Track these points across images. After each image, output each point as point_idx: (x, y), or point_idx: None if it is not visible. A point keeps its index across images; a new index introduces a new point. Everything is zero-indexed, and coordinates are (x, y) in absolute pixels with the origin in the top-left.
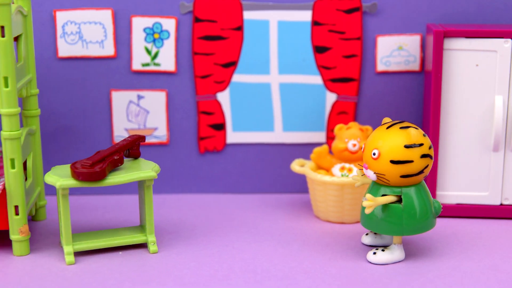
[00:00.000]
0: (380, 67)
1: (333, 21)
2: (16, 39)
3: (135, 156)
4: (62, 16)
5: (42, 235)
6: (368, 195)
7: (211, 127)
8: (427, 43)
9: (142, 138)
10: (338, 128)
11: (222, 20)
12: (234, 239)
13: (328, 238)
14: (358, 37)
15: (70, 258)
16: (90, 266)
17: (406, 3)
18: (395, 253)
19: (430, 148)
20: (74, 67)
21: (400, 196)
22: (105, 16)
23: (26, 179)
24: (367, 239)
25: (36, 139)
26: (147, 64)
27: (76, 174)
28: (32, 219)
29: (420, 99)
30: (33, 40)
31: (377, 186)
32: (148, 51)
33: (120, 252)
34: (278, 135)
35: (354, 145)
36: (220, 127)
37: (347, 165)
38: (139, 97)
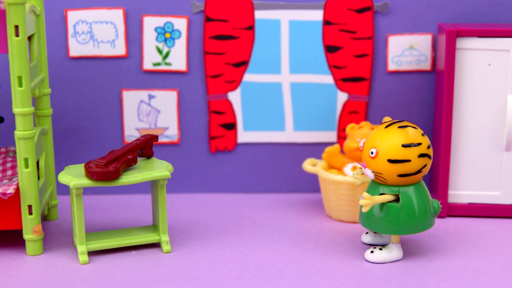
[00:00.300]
0: (391, 67)
1: (344, 20)
2: (29, 38)
3: (148, 155)
4: (73, 16)
5: (54, 235)
6: (365, 194)
7: (222, 126)
8: (439, 43)
9: (155, 137)
10: (350, 128)
11: (233, 19)
12: (247, 239)
13: (341, 237)
14: (370, 36)
15: (84, 257)
16: (104, 265)
17: (417, 3)
18: (393, 252)
19: (428, 147)
20: (85, 66)
21: (398, 195)
22: (117, 15)
23: (38, 179)
24: (367, 238)
25: (48, 138)
26: (158, 64)
27: (90, 174)
28: (44, 218)
29: (431, 99)
30: (45, 39)
31: (376, 185)
32: (159, 51)
33: (134, 252)
34: (289, 134)
35: None
36: (231, 126)
37: (358, 165)
38: (150, 97)
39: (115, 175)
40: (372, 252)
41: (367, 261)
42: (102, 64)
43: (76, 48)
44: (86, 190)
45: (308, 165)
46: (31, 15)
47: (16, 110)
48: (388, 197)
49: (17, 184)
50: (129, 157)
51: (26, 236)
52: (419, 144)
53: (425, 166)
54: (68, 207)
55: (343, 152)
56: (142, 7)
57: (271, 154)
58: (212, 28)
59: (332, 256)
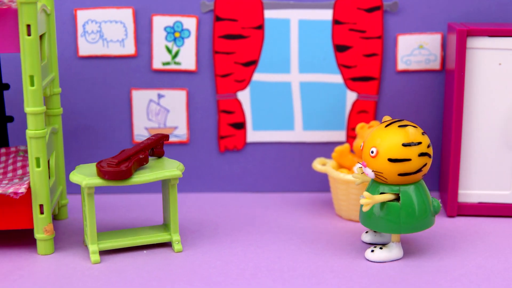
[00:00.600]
0: (401, 66)
1: (354, 20)
2: (40, 38)
3: (159, 155)
4: (83, 15)
5: (65, 234)
6: (366, 193)
7: (231, 126)
8: (449, 42)
9: (166, 137)
10: (360, 127)
11: (243, 19)
12: (258, 238)
13: (352, 237)
14: (379, 36)
15: (95, 257)
16: (115, 265)
17: (427, 2)
18: (393, 251)
19: (428, 146)
20: (95, 66)
21: (399, 194)
22: (126, 15)
23: (49, 178)
24: (366, 237)
25: (58, 138)
26: (168, 63)
27: (102, 173)
28: (54, 218)
29: (440, 98)
30: (56, 39)
31: (376, 184)
32: (169, 50)
33: (145, 251)
34: (298, 134)
35: None
36: (240, 126)
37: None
38: (160, 96)
39: (127, 175)
40: (372, 251)
41: (367, 260)
42: (111, 64)
43: (85, 48)
44: (97, 189)
45: (318, 165)
46: (42, 14)
47: (27, 109)
48: (388, 196)
49: (29, 184)
50: (141, 157)
51: (38, 235)
52: (419, 143)
53: (425, 165)
54: (77, 207)
55: (353, 152)
56: (152, 6)
57: (280, 153)
58: (221, 28)
59: (343, 255)
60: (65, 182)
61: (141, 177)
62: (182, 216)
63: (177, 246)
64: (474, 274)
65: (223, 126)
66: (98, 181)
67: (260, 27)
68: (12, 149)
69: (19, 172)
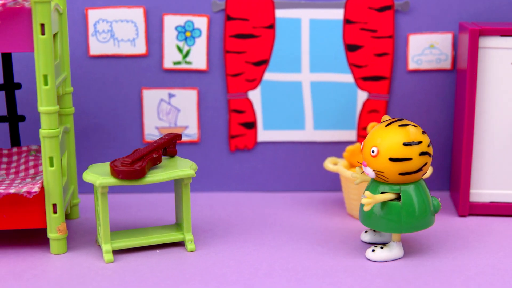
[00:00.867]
0: (412, 66)
1: (365, 19)
2: (53, 37)
3: (172, 154)
4: (94, 14)
5: (77, 234)
6: (367, 193)
7: (242, 125)
8: (460, 41)
9: (179, 136)
10: (371, 126)
11: (254, 18)
12: (270, 238)
13: None
14: (390, 35)
15: (109, 256)
16: (129, 264)
17: (438, 2)
18: (393, 250)
19: (429, 146)
20: (106, 65)
21: (399, 193)
22: (137, 14)
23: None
24: (366, 237)
25: (70, 137)
26: (179, 63)
27: (116, 172)
28: (66, 217)
29: (451, 98)
30: (68, 38)
31: (376, 183)
32: (180, 49)
33: (158, 251)
34: (309, 133)
35: None
36: (251, 125)
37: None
38: (170, 96)
39: (141, 174)
40: (373, 250)
41: (368, 259)
42: (122, 63)
43: (96, 47)
44: (109, 189)
45: (330, 164)
46: (55, 14)
47: (41, 108)
48: (389, 196)
49: (42, 183)
50: (154, 156)
51: (51, 234)
52: (420, 142)
53: (425, 164)
54: (88, 206)
55: None
56: (163, 5)
57: (291, 153)
58: (232, 27)
59: (357, 254)
60: (76, 181)
61: (154, 176)
62: (194, 216)
63: (190, 246)
64: (487, 273)
65: (233, 125)
66: (112, 181)
67: (271, 26)
68: (24, 148)
69: (31, 171)
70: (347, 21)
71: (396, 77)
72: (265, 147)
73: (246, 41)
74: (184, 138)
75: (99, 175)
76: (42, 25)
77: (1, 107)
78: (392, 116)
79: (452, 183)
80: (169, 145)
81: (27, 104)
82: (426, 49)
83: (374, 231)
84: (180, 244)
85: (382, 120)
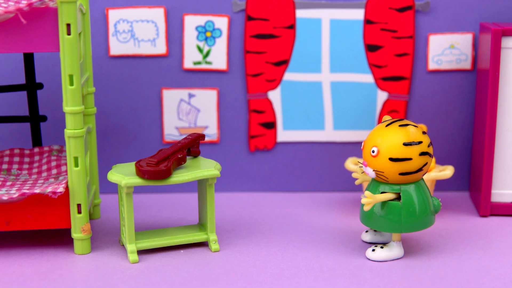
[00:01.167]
0: (432, 66)
1: (385, 19)
2: None
3: (195, 154)
4: (114, 14)
5: (99, 234)
6: (367, 192)
7: (262, 125)
8: (481, 42)
9: (202, 136)
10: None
11: (274, 18)
12: (293, 238)
13: None
14: (410, 35)
15: (134, 256)
16: (154, 264)
17: (458, 2)
18: (394, 250)
19: (429, 146)
20: (126, 65)
21: (399, 193)
22: (158, 14)
23: None
24: (366, 237)
25: (92, 137)
26: (199, 63)
27: (141, 173)
28: None
29: (471, 98)
30: (90, 38)
31: (376, 183)
32: (200, 50)
33: (182, 251)
34: (328, 133)
35: None
36: (271, 125)
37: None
38: (190, 96)
39: (167, 174)
40: (373, 250)
41: (368, 259)
42: (142, 63)
43: (116, 47)
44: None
45: (351, 164)
46: (78, 14)
47: (66, 108)
48: (389, 196)
49: (66, 183)
50: (179, 156)
51: (75, 235)
52: (420, 142)
53: (426, 164)
54: (109, 206)
55: None
56: (183, 6)
57: (311, 153)
58: (253, 27)
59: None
60: (98, 181)
61: (179, 176)
62: (215, 216)
63: (214, 246)
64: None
65: (253, 125)
66: (137, 181)
67: (292, 26)
68: (46, 148)
69: (54, 171)
70: (367, 21)
71: (416, 77)
72: (285, 147)
73: (266, 41)
74: None
75: (124, 175)
76: (68, 25)
77: (23, 107)
78: (412, 117)
79: (472, 184)
80: (193, 145)
81: (47, 104)
82: (446, 49)
83: (375, 231)
84: (203, 244)
85: (382, 120)
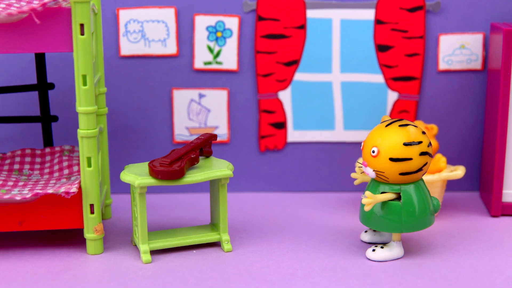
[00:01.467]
0: (442, 66)
1: (396, 19)
2: None
3: (208, 154)
4: (125, 15)
5: (111, 234)
6: (368, 193)
7: (272, 125)
8: (492, 42)
9: (215, 136)
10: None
11: (285, 18)
12: (305, 238)
13: None
14: (421, 35)
15: (147, 256)
16: (167, 264)
17: (469, 2)
18: (394, 250)
19: (429, 146)
20: (136, 65)
21: (399, 193)
22: (168, 14)
23: None
24: (366, 237)
25: (103, 137)
26: (209, 63)
27: (155, 173)
28: None
29: (481, 98)
30: (102, 38)
31: (376, 183)
32: (211, 50)
33: (194, 251)
34: (339, 133)
35: None
36: (281, 125)
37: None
38: (201, 96)
39: (180, 174)
40: (373, 250)
41: (368, 259)
42: (153, 63)
43: (127, 47)
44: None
45: None
46: (91, 14)
47: (80, 109)
48: (390, 196)
49: (79, 183)
50: (192, 156)
51: (88, 235)
52: (420, 142)
53: (425, 164)
54: (120, 206)
55: None
56: (194, 6)
57: (321, 153)
58: (263, 27)
59: None
60: (109, 181)
61: (193, 177)
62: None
63: (226, 246)
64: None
65: (264, 125)
66: (150, 181)
67: (302, 26)
68: (57, 148)
69: (66, 171)
70: (378, 22)
71: (426, 78)
72: (295, 148)
73: (277, 41)
74: None
75: (137, 175)
76: (82, 25)
77: (34, 108)
78: (423, 117)
79: (483, 184)
80: (205, 145)
81: (58, 104)
82: (456, 50)
83: (374, 230)
84: (215, 244)
85: (382, 120)
